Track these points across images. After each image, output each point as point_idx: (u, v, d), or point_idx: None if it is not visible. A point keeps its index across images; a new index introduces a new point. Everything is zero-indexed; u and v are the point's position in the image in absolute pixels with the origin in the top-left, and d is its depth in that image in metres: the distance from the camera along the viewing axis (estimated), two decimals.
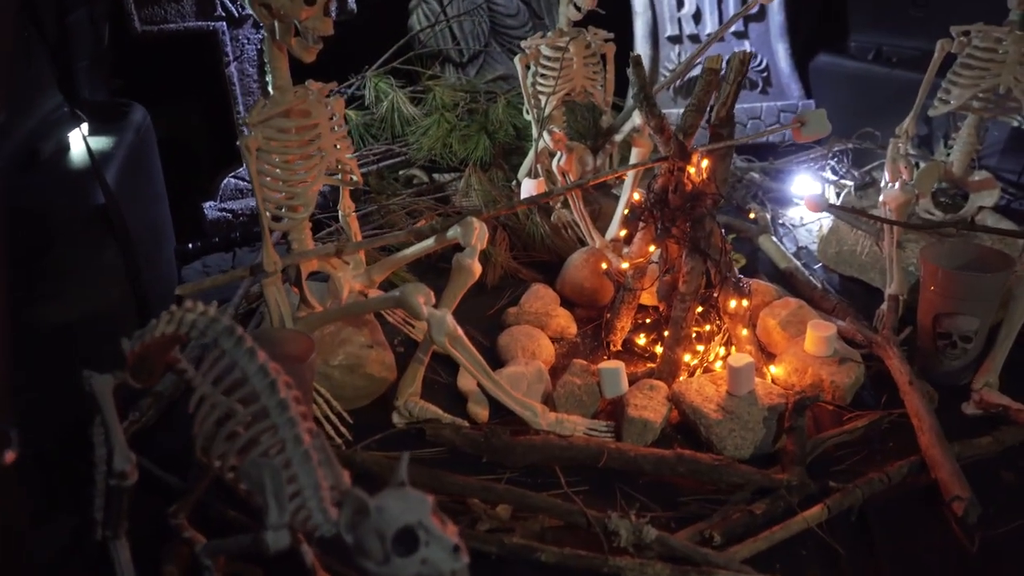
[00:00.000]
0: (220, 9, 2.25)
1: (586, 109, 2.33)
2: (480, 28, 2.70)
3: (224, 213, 2.33)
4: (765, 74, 2.86)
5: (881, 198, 1.85)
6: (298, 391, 0.98)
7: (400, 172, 2.46)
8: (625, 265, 1.68)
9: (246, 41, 2.30)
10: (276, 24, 1.34)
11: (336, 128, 1.53)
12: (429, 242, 1.56)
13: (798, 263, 2.07)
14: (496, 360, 1.70)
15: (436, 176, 2.39)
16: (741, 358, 1.47)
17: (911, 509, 1.32)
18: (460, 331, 1.40)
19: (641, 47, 2.75)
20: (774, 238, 2.19)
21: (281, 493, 0.92)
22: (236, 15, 2.27)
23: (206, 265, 2.21)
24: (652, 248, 1.64)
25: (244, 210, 2.35)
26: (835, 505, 1.28)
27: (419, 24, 2.62)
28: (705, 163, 1.53)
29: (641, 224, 1.65)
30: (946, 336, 1.58)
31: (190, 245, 2.25)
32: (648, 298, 1.79)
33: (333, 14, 2.37)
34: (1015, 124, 1.82)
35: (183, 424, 1.07)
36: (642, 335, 1.76)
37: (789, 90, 2.86)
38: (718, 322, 1.65)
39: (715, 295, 1.61)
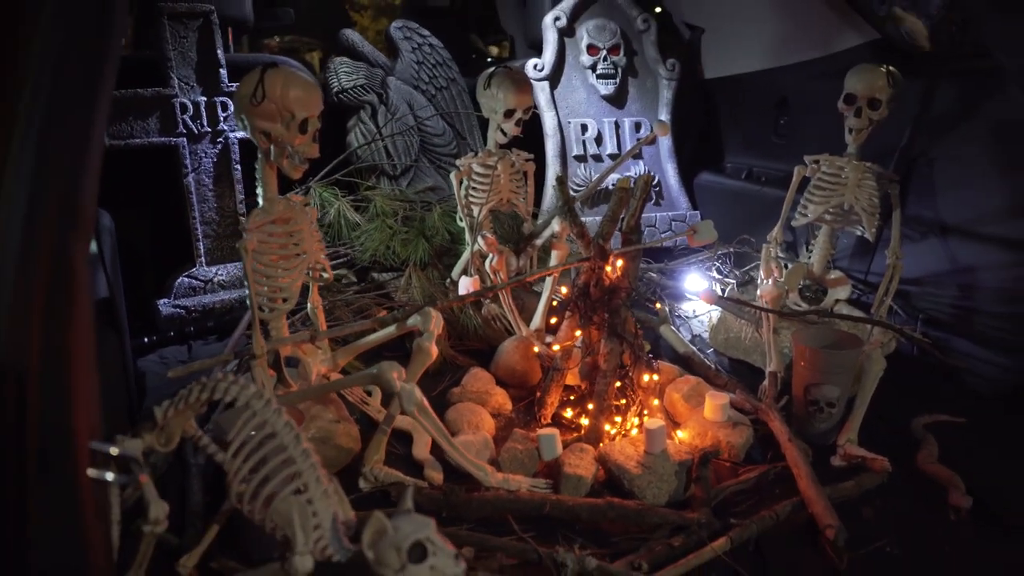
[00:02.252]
0: (181, 126, 2.50)
1: (509, 217, 2.68)
2: (411, 145, 3.04)
3: (178, 309, 2.51)
4: (658, 189, 3.31)
5: (758, 292, 2.24)
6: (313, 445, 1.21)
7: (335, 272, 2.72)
8: (556, 348, 1.98)
9: (203, 155, 2.55)
10: (272, 147, 1.62)
11: (315, 232, 1.79)
12: (391, 329, 1.83)
13: (694, 348, 2.43)
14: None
15: (375, 275, 2.66)
16: (655, 422, 1.78)
17: (795, 538, 1.62)
18: (426, 402, 1.65)
19: (552, 165, 3.16)
20: (673, 328, 2.55)
21: (307, 525, 1.15)
22: (196, 131, 2.52)
23: (163, 357, 2.37)
24: (578, 333, 1.95)
25: (196, 307, 2.53)
26: (736, 537, 1.57)
27: (357, 141, 2.94)
28: (619, 263, 1.87)
29: (568, 313, 1.97)
30: (815, 403, 1.94)
31: (145, 339, 2.41)
32: (571, 378, 2.09)
33: None
34: (859, 233, 2.25)
35: (168, 493, 1.28)
36: (568, 409, 2.05)
37: (678, 202, 3.31)
38: (633, 395, 1.96)
39: (630, 372, 1.93)
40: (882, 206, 2.25)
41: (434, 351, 1.75)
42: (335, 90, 2.91)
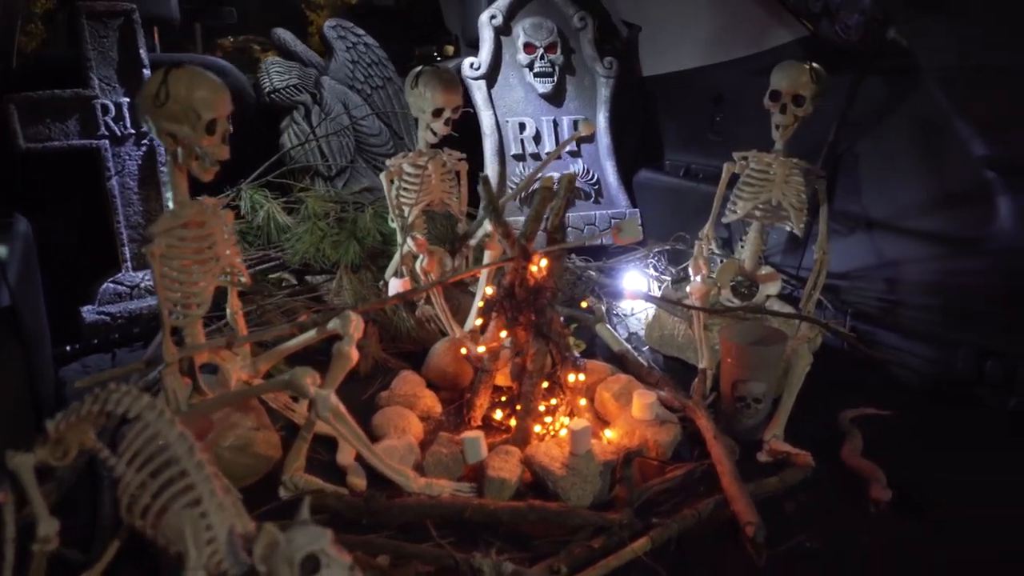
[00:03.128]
0: (103, 128, 2.43)
1: (444, 218, 2.65)
2: (346, 145, 3.00)
3: (102, 316, 2.45)
4: (597, 187, 3.31)
5: (688, 289, 2.24)
6: (211, 456, 1.18)
7: (272, 275, 2.67)
8: (482, 349, 1.96)
9: (127, 157, 2.49)
10: (179, 150, 1.57)
11: (229, 236, 1.75)
12: (311, 334, 1.79)
13: (628, 346, 2.43)
14: (371, 438, 1.91)
15: (308, 278, 2.62)
16: (580, 423, 1.77)
17: (717, 536, 1.62)
18: (343, 408, 1.62)
19: (490, 164, 3.14)
20: (608, 326, 2.55)
21: (200, 540, 1.11)
22: (119, 133, 2.46)
23: (86, 366, 2.30)
24: (503, 335, 1.93)
25: (122, 313, 2.47)
26: (657, 537, 1.56)
27: (290, 142, 2.89)
28: (544, 262, 1.86)
29: (494, 314, 1.95)
30: (742, 399, 1.94)
31: (68, 347, 2.34)
32: (503, 379, 2.07)
33: None
34: (789, 229, 2.26)
35: (77, 507, 1.23)
36: (498, 411, 2.03)
37: (617, 200, 3.32)
38: (562, 395, 1.95)
39: (557, 372, 1.91)
40: (811, 202, 2.27)
41: (354, 355, 1.72)
42: (267, 90, 2.87)
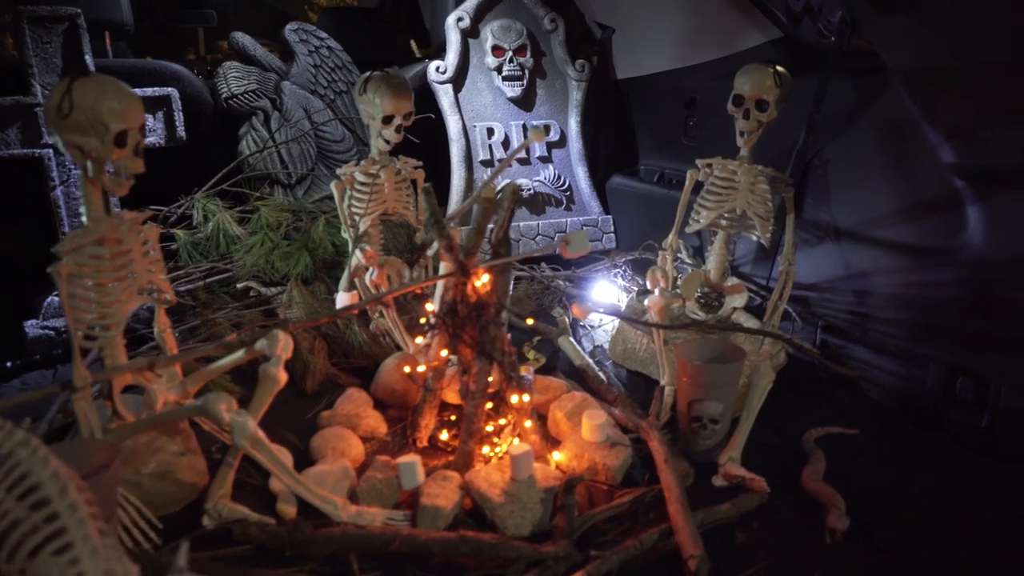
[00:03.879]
0: (46, 137, 2.36)
1: (402, 227, 2.57)
2: (307, 152, 2.92)
3: (46, 331, 2.37)
4: (568, 193, 3.22)
5: (646, 303, 2.15)
6: (91, 495, 1.09)
7: (238, 285, 2.59)
8: (421, 368, 1.87)
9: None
10: (89, 163, 1.49)
11: (151, 252, 1.67)
12: (239, 354, 1.71)
13: (590, 360, 2.34)
14: (310, 460, 1.83)
15: (264, 290, 2.53)
16: (521, 447, 1.68)
17: (661, 568, 1.53)
18: (262, 434, 1.53)
19: (457, 170, 3.05)
20: (572, 339, 2.46)
21: None
22: None
23: (25, 383, 2.22)
24: (444, 353, 1.84)
25: (67, 327, 2.39)
26: (594, 571, 1.47)
27: (248, 149, 2.81)
28: (486, 278, 1.77)
29: (436, 331, 1.86)
30: (698, 419, 1.85)
31: (8, 363, 2.26)
32: (454, 398, 1.98)
33: (163, 141, 2.53)
34: (755, 239, 2.17)
35: None
36: (444, 431, 1.94)
37: (590, 207, 3.23)
38: (510, 416, 1.86)
39: (503, 392, 1.83)
40: (780, 210, 2.18)
41: (282, 377, 1.64)
42: (224, 96, 2.78)
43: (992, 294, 1.85)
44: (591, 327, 2.67)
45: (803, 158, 2.33)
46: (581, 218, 3.19)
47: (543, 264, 2.99)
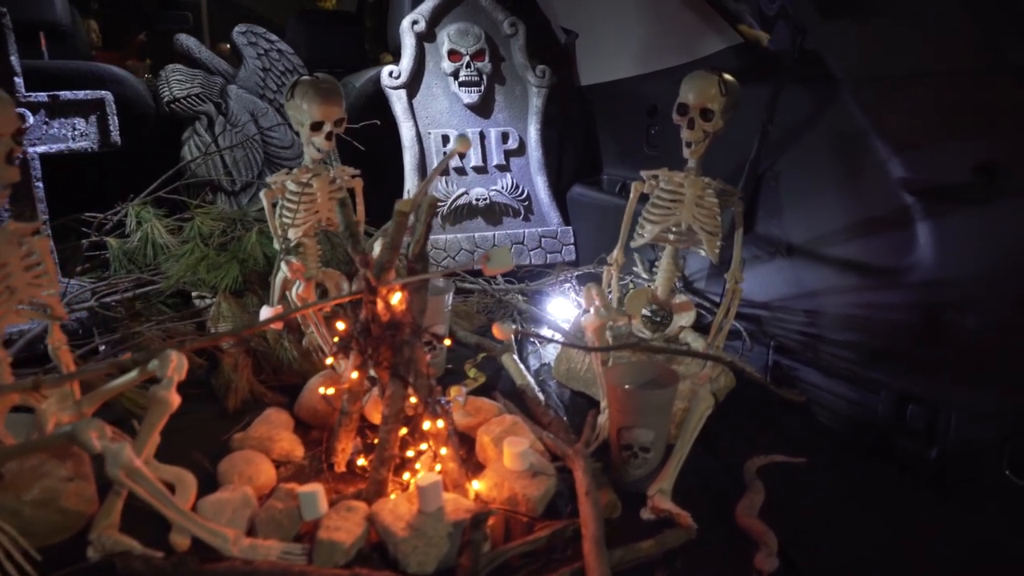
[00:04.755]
0: None
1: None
2: (253, 159, 2.83)
3: None
4: (526, 203, 3.11)
5: (581, 322, 2.04)
6: None
7: (194, 297, 2.49)
8: (330, 391, 1.77)
9: None
10: None
11: (40, 265, 1.57)
12: (133, 374, 1.60)
13: (531, 380, 2.23)
14: (215, 487, 1.73)
15: (196, 302, 2.43)
16: (429, 477, 1.57)
17: None
18: (139, 463, 1.43)
19: (410, 178, 2.95)
20: (514, 357, 2.35)
21: None
22: None
23: None
24: (354, 375, 1.74)
25: None
26: None
27: (190, 155, 2.71)
28: (398, 296, 1.66)
29: (350, 352, 1.76)
30: (628, 447, 1.75)
31: None
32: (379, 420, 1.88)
33: (96, 146, 2.44)
34: (703, 254, 2.06)
35: None
36: (362, 456, 1.84)
37: (549, 218, 3.12)
38: (431, 442, 1.75)
39: (421, 417, 1.72)
40: (732, 225, 2.08)
41: (173, 400, 1.53)
42: (166, 100, 2.69)
43: (942, 318, 1.75)
44: (539, 343, 2.56)
45: (755, 170, 2.22)
46: (539, 229, 3.09)
47: (499, 277, 2.88)
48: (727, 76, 1.98)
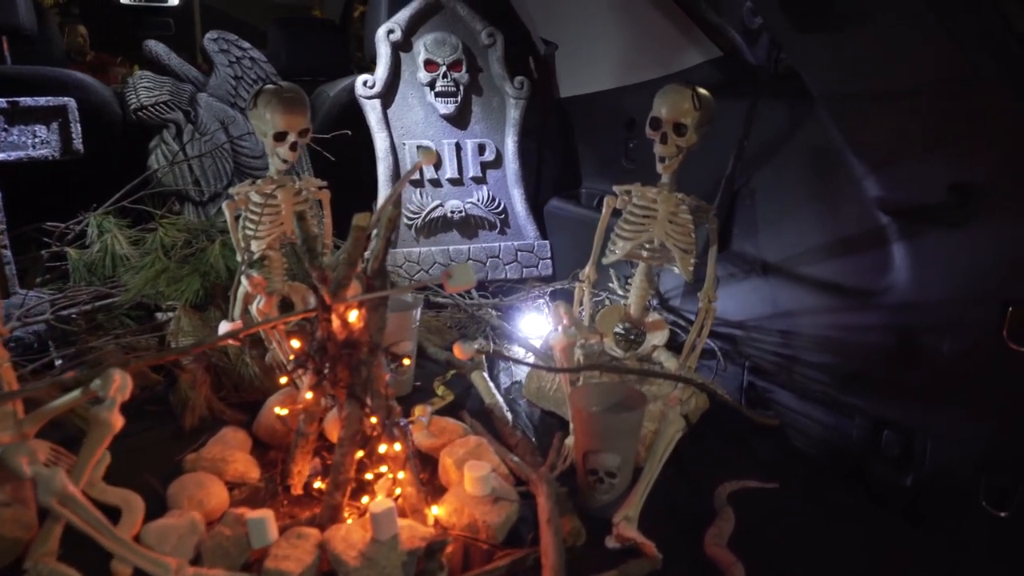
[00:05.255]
0: None
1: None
2: (223, 168, 2.76)
3: None
4: (503, 216, 3.06)
5: (549, 341, 1.98)
6: None
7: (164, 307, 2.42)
8: (284, 412, 1.70)
9: None
10: None
11: None
12: (75, 394, 1.53)
13: (500, 399, 2.17)
14: (166, 510, 1.66)
15: (159, 315, 2.37)
16: (382, 503, 1.51)
17: None
18: (73, 489, 1.36)
19: (384, 190, 2.89)
20: (484, 374, 2.29)
21: None
22: None
23: None
24: (308, 395, 1.67)
25: None
26: None
27: (158, 163, 2.65)
28: (355, 313, 1.60)
29: (306, 371, 1.70)
30: (594, 472, 1.69)
31: None
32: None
33: (57, 153, 2.37)
34: (677, 272, 2.01)
35: None
36: (319, 479, 1.77)
37: (525, 231, 3.07)
38: (388, 465, 1.69)
39: (380, 439, 1.66)
40: (706, 242, 2.03)
41: (115, 422, 1.47)
42: (133, 107, 2.63)
43: (918, 341, 1.69)
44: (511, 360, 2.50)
45: (731, 187, 2.17)
46: (516, 243, 3.03)
47: (473, 291, 2.83)
48: (701, 90, 1.93)
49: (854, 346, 1.85)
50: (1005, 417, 1.54)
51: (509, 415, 2.09)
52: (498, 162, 3.08)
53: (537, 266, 3.05)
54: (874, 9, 1.51)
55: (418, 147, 2.75)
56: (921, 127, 1.56)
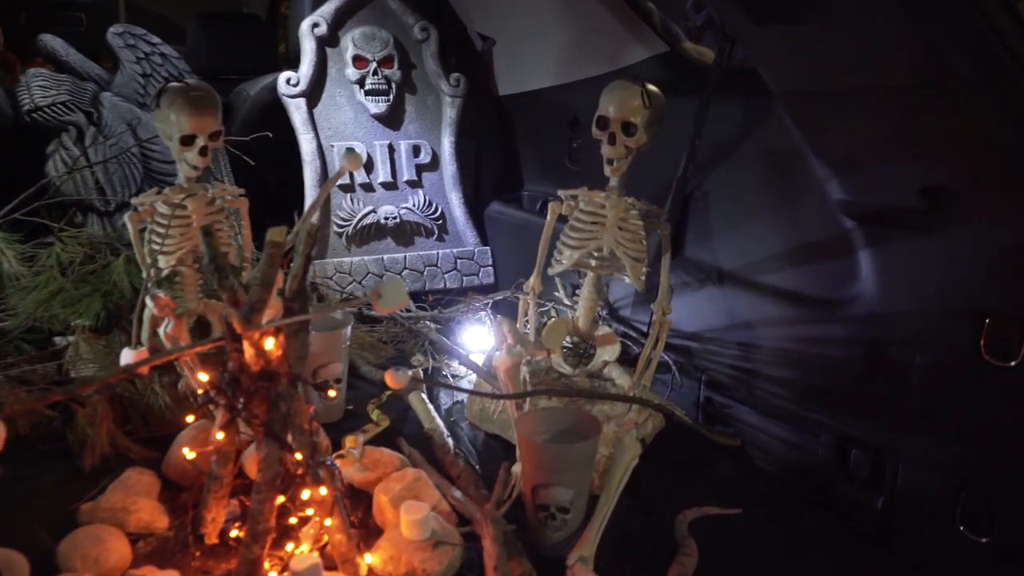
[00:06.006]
0: None
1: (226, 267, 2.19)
2: (131, 175, 2.52)
3: None
4: (440, 222, 2.88)
5: (493, 361, 1.82)
6: None
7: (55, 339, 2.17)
8: (193, 455, 1.50)
9: None
10: None
11: None
12: None
13: (440, 423, 2.00)
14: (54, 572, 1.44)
15: (57, 340, 2.12)
16: (306, 559, 1.33)
17: None
18: None
19: (311, 195, 2.69)
20: (423, 396, 2.11)
21: None
22: None
23: None
24: (219, 435, 1.48)
25: None
26: None
27: (56, 171, 2.40)
28: (270, 341, 1.41)
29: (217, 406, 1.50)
30: (545, 508, 1.53)
31: None
32: None
33: None
34: (628, 281, 1.86)
35: None
36: (236, 526, 1.57)
37: (465, 237, 2.90)
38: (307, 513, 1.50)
39: (302, 483, 1.47)
40: (658, 249, 1.90)
41: None
42: (27, 108, 2.38)
43: (887, 355, 1.58)
44: (455, 377, 2.33)
45: (683, 190, 2.04)
46: (455, 250, 2.86)
47: (411, 304, 2.64)
48: (651, 87, 1.79)
49: (818, 359, 1.74)
50: (983, 435, 1.43)
51: (450, 441, 1.92)
52: (434, 164, 2.90)
53: (478, 274, 2.88)
54: (840, 0, 1.39)
55: (346, 150, 2.57)
56: (890, 127, 1.45)
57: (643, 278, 1.84)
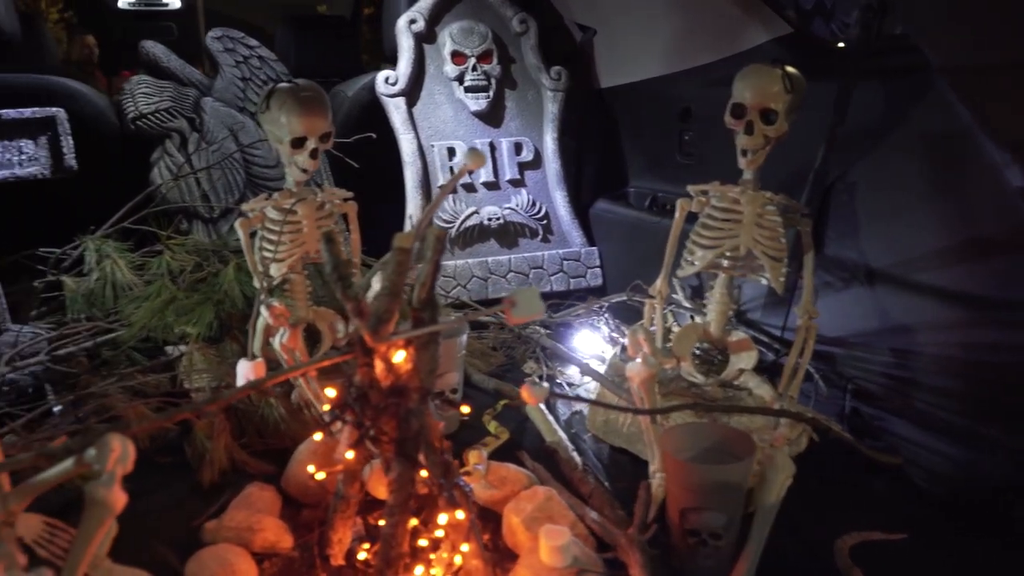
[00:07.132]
0: None
1: None
2: (234, 180, 2.49)
3: None
4: (545, 222, 2.77)
5: (627, 372, 1.69)
6: None
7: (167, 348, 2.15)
8: (322, 476, 1.42)
9: None
10: None
11: None
12: (66, 465, 1.26)
13: (564, 436, 1.89)
14: None
15: (170, 349, 2.09)
16: None
17: None
18: None
19: (412, 199, 2.62)
20: (543, 406, 2.01)
21: None
22: None
23: None
24: (349, 454, 1.39)
25: None
26: None
27: (161, 178, 2.38)
28: (401, 355, 1.32)
29: (343, 424, 1.41)
30: (694, 533, 1.40)
31: None
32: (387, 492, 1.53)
33: (47, 171, 2.11)
34: (764, 283, 1.72)
35: None
36: (365, 548, 1.49)
37: (570, 238, 2.79)
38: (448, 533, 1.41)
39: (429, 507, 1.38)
40: (794, 247, 1.74)
41: (115, 501, 1.18)
42: (131, 116, 2.36)
43: None
44: (570, 385, 2.21)
45: (822, 182, 1.88)
46: (560, 251, 2.74)
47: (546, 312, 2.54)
48: (791, 69, 1.63)
49: (992, 367, 1.56)
50: None
51: (576, 456, 1.81)
52: (537, 162, 2.79)
53: (586, 276, 2.76)
54: None
55: (468, 148, 2.48)
56: None
57: (783, 279, 1.68)
